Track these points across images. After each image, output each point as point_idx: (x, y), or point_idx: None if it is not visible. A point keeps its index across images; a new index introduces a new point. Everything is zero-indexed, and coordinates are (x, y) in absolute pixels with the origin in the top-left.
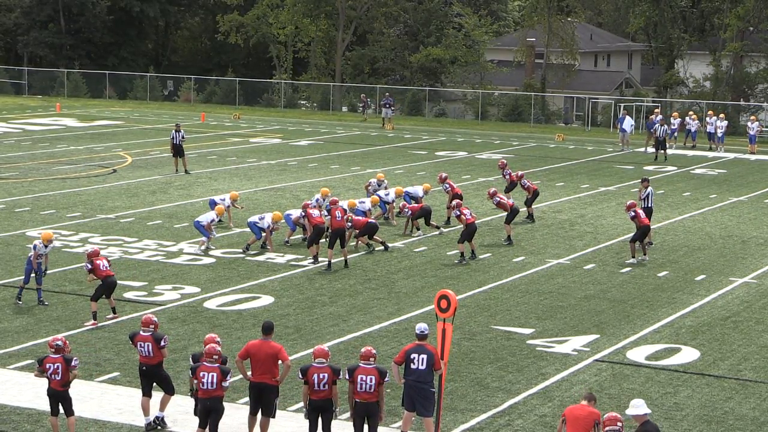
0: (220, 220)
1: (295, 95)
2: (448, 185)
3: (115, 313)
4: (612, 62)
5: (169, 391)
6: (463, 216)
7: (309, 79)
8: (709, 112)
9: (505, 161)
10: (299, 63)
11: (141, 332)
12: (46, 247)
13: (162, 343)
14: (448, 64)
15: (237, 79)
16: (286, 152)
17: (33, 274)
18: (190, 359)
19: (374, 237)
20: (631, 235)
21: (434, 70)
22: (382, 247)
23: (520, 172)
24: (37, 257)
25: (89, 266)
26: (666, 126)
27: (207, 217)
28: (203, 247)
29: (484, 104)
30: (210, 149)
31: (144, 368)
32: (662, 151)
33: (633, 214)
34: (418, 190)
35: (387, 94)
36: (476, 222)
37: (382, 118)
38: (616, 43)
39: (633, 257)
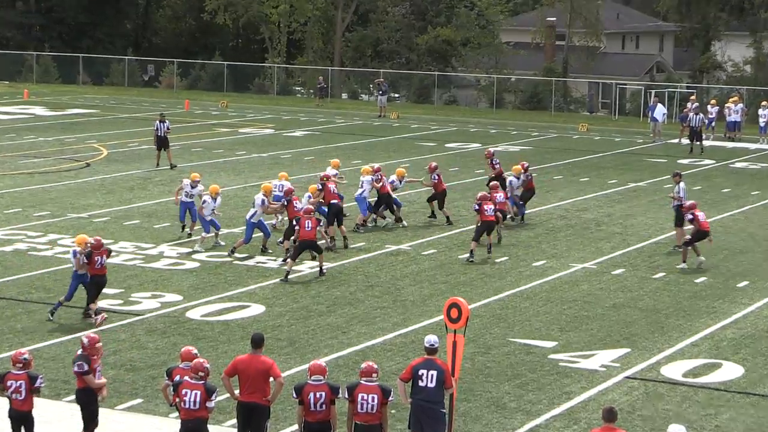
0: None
1: (289, 81)
2: (436, 177)
3: (95, 316)
4: (641, 44)
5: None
6: (484, 212)
7: (305, 64)
8: (732, 99)
9: (493, 151)
10: (294, 45)
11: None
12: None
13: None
14: (459, 46)
15: (225, 63)
16: (279, 144)
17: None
18: (165, 375)
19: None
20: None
21: (444, 52)
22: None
23: (525, 163)
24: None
25: (86, 259)
26: (701, 114)
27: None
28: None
29: (500, 91)
30: (195, 141)
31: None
32: (698, 143)
33: (691, 216)
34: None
35: (382, 80)
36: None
37: (379, 107)
38: (646, 24)
39: (684, 262)
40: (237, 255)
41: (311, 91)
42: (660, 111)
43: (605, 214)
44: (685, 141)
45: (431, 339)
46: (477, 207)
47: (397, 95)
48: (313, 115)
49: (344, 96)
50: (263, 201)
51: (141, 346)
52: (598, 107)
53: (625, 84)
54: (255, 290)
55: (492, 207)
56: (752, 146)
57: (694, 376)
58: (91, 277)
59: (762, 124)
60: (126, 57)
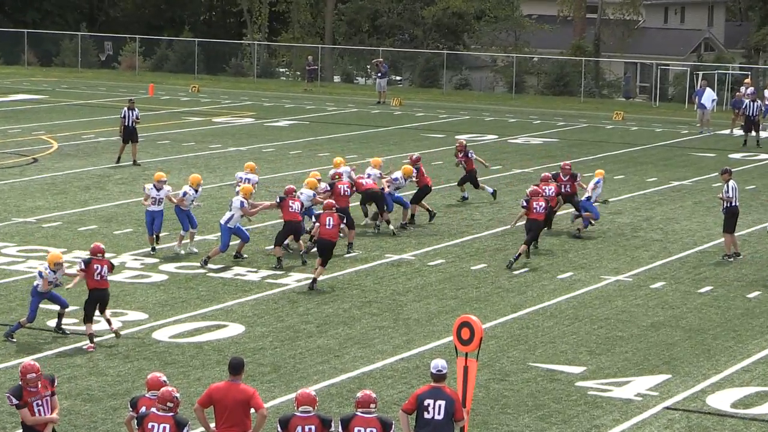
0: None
1: (272, 61)
2: (415, 171)
3: (115, 332)
4: (687, 17)
5: None
6: (533, 210)
7: (290, 41)
8: None
9: (465, 141)
10: (277, 19)
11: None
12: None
13: None
14: (472, 19)
15: (196, 40)
16: (260, 135)
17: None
18: (129, 406)
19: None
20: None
21: (454, 27)
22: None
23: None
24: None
25: (83, 266)
26: (759, 101)
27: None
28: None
29: (520, 72)
30: (161, 132)
31: None
32: (753, 134)
33: None
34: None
35: (381, 59)
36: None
37: (378, 92)
38: None
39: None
40: (211, 266)
41: (298, 73)
42: (709, 96)
43: (643, 218)
44: (738, 132)
45: (438, 364)
46: (525, 203)
47: (399, 78)
48: (300, 102)
49: (336, 79)
50: (242, 203)
51: (100, 372)
52: (635, 92)
53: (668, 65)
54: (233, 307)
55: (543, 204)
56: None
57: (745, 406)
58: (90, 291)
59: None
60: (79, 33)
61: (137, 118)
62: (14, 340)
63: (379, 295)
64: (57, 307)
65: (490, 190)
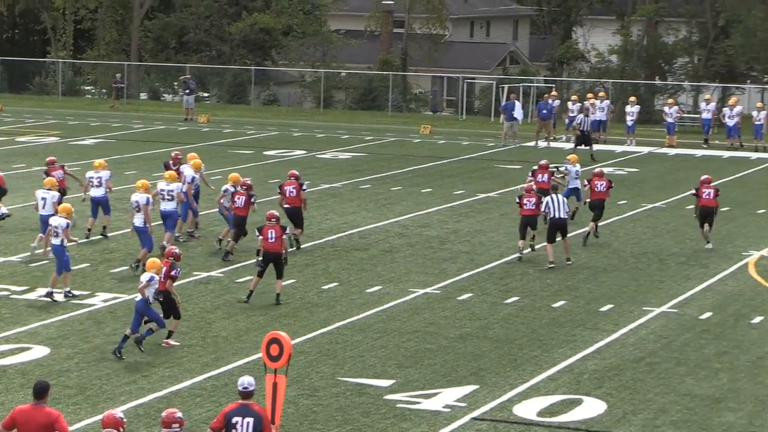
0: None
1: (77, 79)
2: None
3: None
4: (493, 32)
5: None
6: (523, 206)
7: (96, 58)
8: (598, 95)
9: (181, 154)
10: (83, 37)
11: None
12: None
13: None
14: (280, 35)
15: None
16: (65, 154)
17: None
18: None
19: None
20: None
21: (262, 43)
22: None
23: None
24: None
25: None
26: (588, 116)
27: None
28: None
29: (329, 88)
30: None
31: None
32: (587, 147)
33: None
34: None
35: (188, 76)
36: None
37: (185, 109)
38: (498, 7)
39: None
40: (15, 288)
41: (104, 90)
42: (518, 110)
43: (451, 231)
44: (543, 143)
45: (245, 381)
46: (518, 200)
47: (206, 94)
48: (107, 120)
49: (143, 96)
50: (148, 200)
51: None
52: (442, 106)
53: (474, 78)
54: (37, 329)
55: (533, 200)
56: (618, 149)
57: (551, 414)
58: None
59: (630, 123)
60: None
61: None
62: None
63: (187, 313)
64: None
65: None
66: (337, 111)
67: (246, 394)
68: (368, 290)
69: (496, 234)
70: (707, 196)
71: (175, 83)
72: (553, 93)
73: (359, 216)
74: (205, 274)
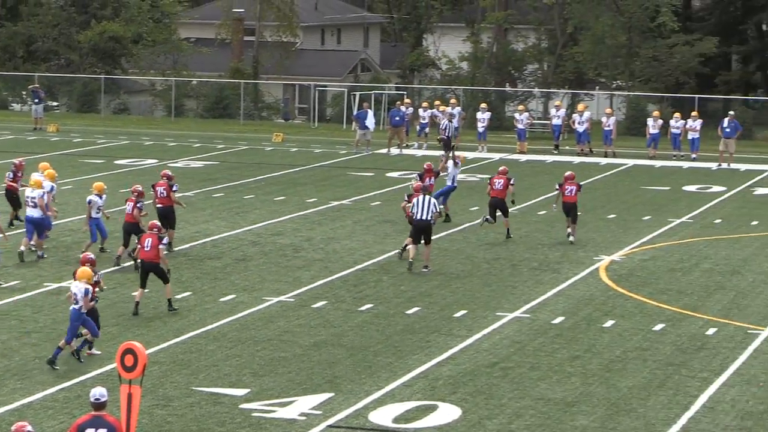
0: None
1: None
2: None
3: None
4: (344, 39)
5: None
6: (493, 185)
7: None
8: (450, 102)
9: (24, 162)
10: None
11: None
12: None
13: None
14: (130, 44)
15: None
16: None
17: None
18: None
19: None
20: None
21: (112, 52)
22: None
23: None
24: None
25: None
26: (451, 122)
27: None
28: None
29: (180, 96)
30: None
31: None
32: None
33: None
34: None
35: (36, 85)
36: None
37: (34, 118)
38: (348, 15)
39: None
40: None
41: None
42: (371, 118)
43: (304, 239)
44: (395, 151)
45: (97, 392)
46: (489, 180)
47: (55, 104)
48: None
49: None
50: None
51: None
52: (294, 114)
53: (326, 86)
54: None
55: (501, 182)
56: (470, 155)
57: (407, 421)
58: None
59: (481, 130)
60: None
61: None
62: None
63: (38, 324)
64: None
65: None
66: (188, 119)
67: (98, 406)
68: (222, 299)
69: (350, 241)
70: (569, 193)
71: (24, 92)
72: (406, 100)
73: (212, 225)
74: (55, 285)
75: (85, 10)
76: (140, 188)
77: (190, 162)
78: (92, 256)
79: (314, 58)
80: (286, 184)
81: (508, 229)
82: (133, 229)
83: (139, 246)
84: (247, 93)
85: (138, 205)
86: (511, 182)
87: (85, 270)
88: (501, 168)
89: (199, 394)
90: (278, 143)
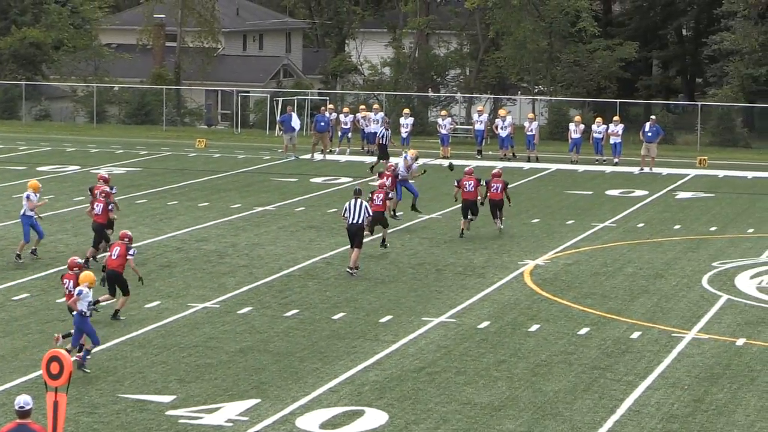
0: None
1: None
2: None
3: None
4: (266, 45)
5: None
6: (464, 188)
7: None
8: (372, 107)
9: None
10: None
11: None
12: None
13: None
14: (50, 50)
15: None
16: None
17: None
18: None
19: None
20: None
21: (32, 58)
22: None
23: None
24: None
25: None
26: (388, 129)
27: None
28: None
29: (101, 102)
30: None
31: None
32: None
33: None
34: None
35: None
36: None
37: None
38: (269, 20)
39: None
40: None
41: None
42: (296, 122)
43: (229, 245)
44: (318, 156)
45: (22, 400)
46: (457, 183)
47: None
48: None
49: None
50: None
51: None
52: (217, 119)
53: (249, 92)
54: None
55: (472, 183)
56: (393, 161)
57: (334, 426)
58: None
59: (404, 135)
60: None
61: None
62: None
63: None
64: None
65: None
66: (110, 125)
67: (23, 413)
68: (147, 305)
69: (275, 247)
70: (495, 190)
71: None
72: (330, 106)
73: (136, 231)
74: None
75: (4, 16)
76: (107, 189)
77: (113, 168)
78: (79, 260)
79: (236, 64)
80: (210, 190)
81: (462, 230)
82: (101, 229)
83: (108, 253)
84: (170, 99)
85: (109, 207)
86: (481, 182)
87: (87, 274)
88: (495, 170)
89: (125, 401)
90: (201, 149)
